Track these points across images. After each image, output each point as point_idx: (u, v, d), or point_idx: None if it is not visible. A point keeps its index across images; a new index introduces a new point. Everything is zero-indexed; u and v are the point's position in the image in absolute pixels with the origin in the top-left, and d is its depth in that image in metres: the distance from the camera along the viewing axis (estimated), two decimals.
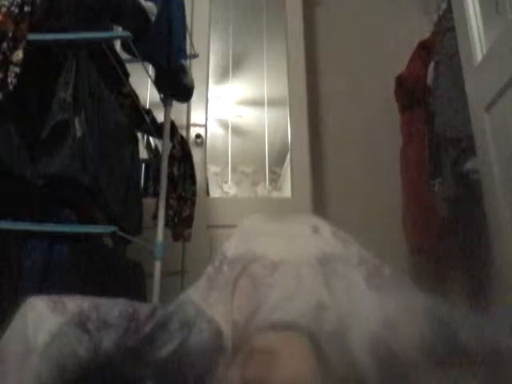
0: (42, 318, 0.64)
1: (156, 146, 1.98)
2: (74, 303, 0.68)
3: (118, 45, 1.55)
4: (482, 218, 1.45)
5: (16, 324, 0.64)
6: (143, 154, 1.85)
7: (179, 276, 1.96)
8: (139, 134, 1.74)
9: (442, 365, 0.67)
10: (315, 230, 0.91)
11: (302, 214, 1.16)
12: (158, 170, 1.70)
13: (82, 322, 0.65)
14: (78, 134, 1.14)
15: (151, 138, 1.98)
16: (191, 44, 2.03)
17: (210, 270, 0.87)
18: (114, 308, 0.70)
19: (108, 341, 0.66)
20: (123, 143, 1.43)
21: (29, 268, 1.09)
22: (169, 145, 1.70)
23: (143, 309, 0.73)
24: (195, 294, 0.81)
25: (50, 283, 1.07)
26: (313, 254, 0.82)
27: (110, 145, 1.29)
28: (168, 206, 1.68)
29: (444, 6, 1.88)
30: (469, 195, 1.62)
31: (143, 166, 1.90)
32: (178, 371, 0.73)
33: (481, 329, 0.67)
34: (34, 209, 1.16)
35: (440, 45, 1.83)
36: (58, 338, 0.62)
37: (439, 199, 1.78)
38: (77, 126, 1.14)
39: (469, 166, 1.57)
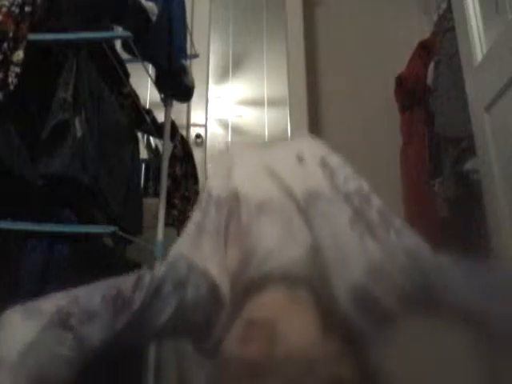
0: (14, 329, 0.59)
1: (156, 146, 1.98)
2: (50, 303, 0.63)
3: (118, 45, 1.55)
4: (482, 218, 1.45)
5: None
6: (143, 153, 1.84)
7: None
8: (139, 134, 1.74)
9: (420, 314, 0.66)
10: (300, 159, 0.84)
11: (291, 139, 1.07)
12: (158, 170, 1.70)
13: (62, 321, 0.60)
14: (78, 134, 1.14)
15: (151, 138, 1.98)
16: (191, 44, 2.03)
17: (197, 214, 0.81)
18: (94, 295, 0.65)
19: (96, 331, 0.62)
20: (123, 143, 1.43)
21: (29, 268, 1.09)
22: (169, 145, 1.70)
23: (126, 284, 0.68)
24: (185, 246, 0.75)
25: (50, 283, 1.07)
26: (297, 192, 0.77)
27: (110, 145, 1.29)
28: (172, 206, 1.69)
29: (444, 5, 1.88)
30: (469, 195, 1.62)
31: (143, 165, 1.90)
32: (178, 332, 0.70)
33: (462, 284, 0.63)
34: (34, 209, 1.16)
35: (440, 45, 1.83)
36: (33, 346, 0.57)
37: (439, 199, 1.78)
38: (77, 125, 1.14)
39: (469, 165, 1.57)
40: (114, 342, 0.64)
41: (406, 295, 0.64)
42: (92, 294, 0.65)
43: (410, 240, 0.69)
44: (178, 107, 1.90)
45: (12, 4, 1.16)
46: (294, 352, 0.59)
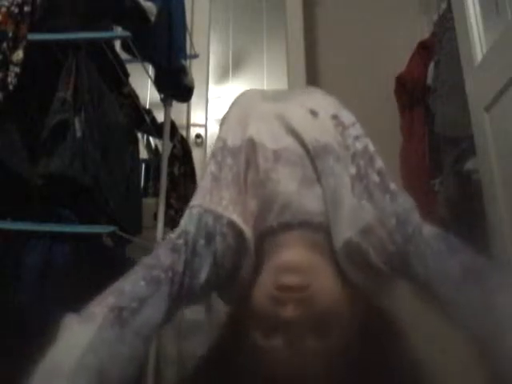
0: (71, 335, 0.58)
1: (156, 146, 1.98)
2: (100, 304, 0.62)
3: (118, 45, 1.55)
4: (482, 218, 1.45)
5: (48, 355, 0.56)
6: (143, 154, 1.84)
7: None
8: (139, 134, 1.74)
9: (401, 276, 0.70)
10: (313, 113, 0.85)
11: (304, 90, 1.05)
12: (158, 170, 1.70)
13: (116, 317, 0.59)
14: (78, 134, 1.14)
15: (151, 138, 1.98)
16: (191, 44, 2.03)
17: (212, 166, 0.80)
18: (137, 281, 0.64)
19: (151, 316, 0.62)
20: (123, 143, 1.43)
21: (29, 268, 1.09)
22: (169, 145, 1.70)
23: (162, 256, 0.67)
24: (205, 200, 0.74)
25: (50, 283, 1.07)
26: (309, 143, 0.78)
27: (110, 145, 1.29)
28: (169, 206, 1.68)
29: (444, 5, 1.87)
30: (469, 195, 1.62)
31: (143, 165, 1.90)
32: (212, 287, 0.71)
33: (434, 256, 0.65)
34: (34, 209, 1.16)
35: (440, 45, 1.82)
36: (91, 348, 0.56)
37: (439, 199, 1.78)
38: (77, 126, 1.14)
39: (469, 165, 1.57)
40: (168, 318, 0.65)
41: (390, 257, 0.68)
42: (134, 281, 0.65)
43: (402, 205, 0.72)
44: (177, 107, 1.90)
45: (12, 4, 1.16)
46: (323, 309, 0.63)
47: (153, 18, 1.37)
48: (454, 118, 1.61)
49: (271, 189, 0.74)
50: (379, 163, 0.77)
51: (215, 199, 0.74)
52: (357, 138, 0.81)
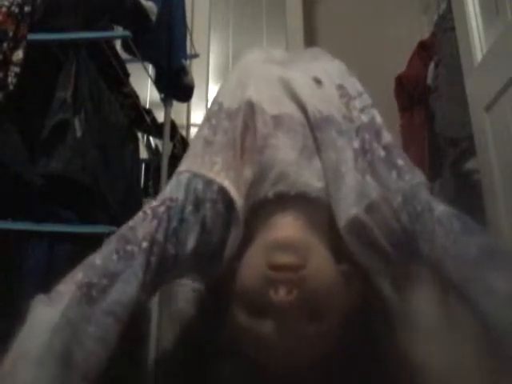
0: (38, 318, 0.56)
1: (156, 146, 1.98)
2: (68, 282, 0.59)
3: (118, 45, 1.55)
4: (482, 218, 1.45)
5: (16, 340, 0.54)
6: (143, 154, 1.84)
7: None
8: (139, 134, 1.74)
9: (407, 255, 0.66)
10: (318, 81, 0.79)
11: (312, 53, 0.97)
12: (158, 170, 1.69)
13: (84, 295, 0.57)
14: (78, 134, 1.14)
15: (151, 138, 1.98)
16: (191, 44, 2.03)
17: (205, 131, 0.75)
18: (109, 254, 0.61)
19: (122, 292, 0.58)
20: (123, 143, 1.43)
21: (29, 268, 1.09)
22: (169, 145, 1.70)
23: (138, 227, 0.62)
24: (195, 164, 0.69)
25: (51, 283, 1.07)
26: (312, 112, 0.73)
27: (110, 145, 1.29)
28: None
29: (444, 5, 1.87)
30: (469, 195, 1.62)
31: (143, 165, 1.90)
32: (201, 260, 0.66)
33: (442, 235, 0.61)
34: (34, 209, 1.15)
35: (440, 45, 1.82)
36: (58, 330, 0.53)
37: (439, 199, 1.78)
38: (77, 126, 1.14)
39: (469, 165, 1.57)
40: (147, 292, 0.61)
41: (396, 237, 0.64)
42: (106, 255, 0.61)
43: (409, 182, 0.67)
44: (177, 107, 1.90)
45: (12, 4, 1.16)
46: (319, 292, 0.58)
47: (153, 18, 1.37)
48: (454, 118, 1.61)
49: (269, 156, 0.69)
50: (386, 137, 0.72)
51: (207, 164, 0.68)
52: (363, 109, 0.76)
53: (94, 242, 1.22)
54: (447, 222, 0.63)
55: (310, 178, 0.68)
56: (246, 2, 2.67)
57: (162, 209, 0.64)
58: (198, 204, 0.64)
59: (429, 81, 1.90)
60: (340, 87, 0.79)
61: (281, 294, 0.56)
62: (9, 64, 1.12)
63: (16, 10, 1.16)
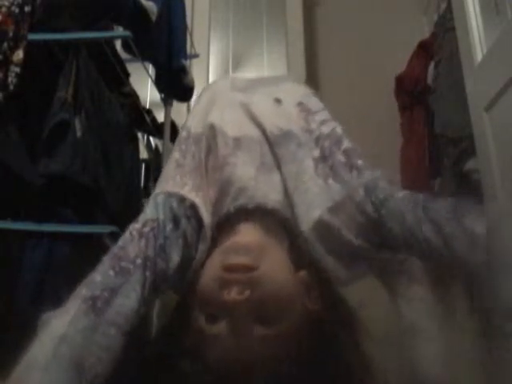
0: (46, 331, 0.58)
1: (156, 146, 1.98)
2: (74, 297, 0.62)
3: (118, 45, 1.55)
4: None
5: (26, 351, 0.56)
6: (143, 154, 1.84)
7: None
8: (139, 134, 1.74)
9: (378, 247, 0.69)
10: (278, 101, 0.85)
11: (275, 78, 1.05)
12: (158, 170, 1.70)
13: (90, 307, 0.59)
14: (78, 133, 1.14)
15: (151, 138, 1.98)
16: (191, 44, 2.03)
17: (175, 154, 0.81)
18: (106, 272, 0.64)
19: (124, 308, 0.60)
20: (123, 143, 1.43)
21: (29, 268, 1.09)
22: (169, 145, 1.70)
23: (128, 247, 0.66)
24: (169, 185, 0.75)
25: (50, 283, 1.07)
26: (270, 130, 0.78)
27: (110, 145, 1.29)
28: None
29: (444, 5, 1.87)
30: (469, 195, 1.62)
31: (143, 165, 1.90)
32: (186, 269, 0.69)
33: (407, 214, 0.65)
34: (34, 209, 1.16)
35: (440, 45, 1.82)
36: (64, 339, 0.55)
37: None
38: (77, 125, 1.14)
39: (469, 165, 1.57)
40: (144, 305, 0.63)
41: (362, 229, 0.67)
42: (103, 272, 0.64)
43: (369, 176, 0.71)
44: (177, 107, 1.90)
45: (12, 4, 1.16)
46: (271, 294, 0.59)
47: (154, 18, 1.37)
48: (454, 117, 1.61)
49: (228, 173, 0.74)
50: (346, 144, 0.77)
51: (178, 183, 0.74)
52: (323, 122, 0.81)
53: (93, 242, 1.23)
54: (411, 199, 0.67)
55: (268, 191, 0.73)
56: (245, 2, 2.67)
57: (146, 229, 0.68)
58: (176, 221, 0.69)
59: (429, 81, 1.90)
60: (299, 104, 0.85)
61: (232, 294, 0.58)
62: (9, 64, 1.12)
63: (16, 10, 1.16)
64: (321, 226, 0.68)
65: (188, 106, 2.26)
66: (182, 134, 0.84)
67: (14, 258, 1.10)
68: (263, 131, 0.79)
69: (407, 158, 2.03)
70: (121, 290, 0.62)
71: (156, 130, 1.73)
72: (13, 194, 1.13)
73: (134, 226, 0.69)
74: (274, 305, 0.59)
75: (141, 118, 1.64)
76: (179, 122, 2.05)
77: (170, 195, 0.71)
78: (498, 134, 1.33)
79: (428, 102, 1.86)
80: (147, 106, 1.92)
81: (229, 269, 0.61)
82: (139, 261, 0.64)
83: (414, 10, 2.40)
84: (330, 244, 0.68)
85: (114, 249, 0.68)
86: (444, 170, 1.72)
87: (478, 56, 1.44)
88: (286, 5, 2.41)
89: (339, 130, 0.80)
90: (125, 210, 1.35)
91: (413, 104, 2.04)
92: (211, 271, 0.64)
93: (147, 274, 0.64)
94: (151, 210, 0.71)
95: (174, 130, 1.78)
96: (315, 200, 0.69)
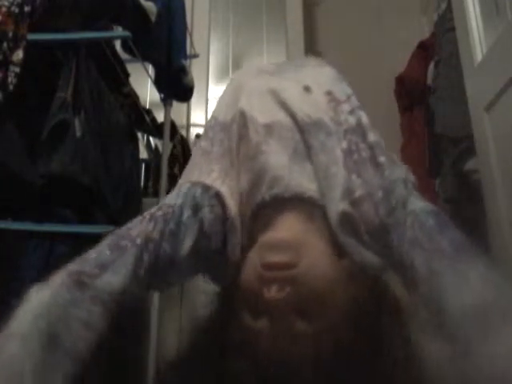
0: (28, 303, 0.57)
1: (156, 146, 1.98)
2: (60, 272, 0.61)
3: (118, 45, 1.55)
4: (482, 218, 1.45)
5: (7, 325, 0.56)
6: (143, 154, 1.84)
7: None
8: (139, 134, 1.74)
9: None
10: (307, 89, 0.83)
11: (302, 62, 1.02)
12: (158, 170, 1.70)
13: (74, 281, 0.58)
14: (78, 133, 1.14)
15: (151, 138, 1.98)
16: (191, 44, 2.03)
17: (203, 144, 0.79)
18: (102, 250, 0.63)
19: (113, 278, 0.60)
20: (123, 143, 1.43)
21: (29, 268, 1.09)
22: (169, 145, 1.71)
23: (133, 226, 0.65)
24: (195, 175, 0.73)
25: None
26: (301, 118, 0.77)
27: (109, 145, 1.29)
28: None
29: (444, 5, 1.87)
30: (469, 195, 1.62)
31: (143, 165, 1.90)
32: (200, 261, 0.68)
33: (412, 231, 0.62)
34: (34, 209, 1.16)
35: (440, 45, 1.82)
36: (44, 311, 0.55)
37: (439, 199, 1.78)
38: (77, 125, 1.14)
39: (469, 166, 1.57)
40: (135, 285, 0.62)
41: (375, 230, 0.66)
42: (100, 250, 0.64)
43: (388, 177, 0.69)
44: (177, 107, 1.90)
45: (12, 4, 1.16)
46: (312, 290, 0.59)
47: (153, 18, 1.37)
48: (454, 118, 1.61)
49: (262, 161, 0.72)
50: (371, 137, 0.75)
51: (204, 172, 0.73)
52: (351, 112, 0.79)
53: (93, 242, 1.23)
54: (422, 217, 0.63)
55: (302, 180, 0.72)
56: (245, 2, 2.67)
57: (159, 213, 0.67)
58: (196, 209, 0.67)
59: (429, 81, 1.90)
60: (328, 93, 0.83)
61: (272, 291, 0.57)
62: (9, 64, 1.12)
63: (16, 10, 1.16)
64: (345, 218, 0.67)
65: (188, 106, 2.27)
66: (210, 122, 0.84)
67: (14, 258, 1.10)
68: (294, 118, 0.78)
69: (407, 158, 2.03)
70: (111, 266, 0.61)
71: (156, 130, 1.73)
72: (13, 194, 1.13)
73: (150, 211, 0.69)
74: (316, 300, 0.58)
75: (141, 118, 1.64)
76: (179, 122, 2.05)
77: (194, 184, 0.71)
78: (497, 134, 1.33)
79: (428, 102, 1.86)
80: (147, 106, 1.92)
81: (267, 267, 0.60)
82: (139, 240, 0.63)
83: (413, 10, 2.40)
84: (355, 236, 0.67)
85: (120, 229, 0.67)
86: (444, 169, 1.72)
87: (478, 56, 1.44)
88: (285, 5, 2.41)
89: (365, 119, 0.78)
90: (124, 210, 1.35)
91: (413, 104, 2.04)
92: (251, 268, 0.63)
93: (145, 254, 0.63)
94: (171, 197, 0.71)
95: (174, 130, 1.78)
96: (341, 192, 0.68)
